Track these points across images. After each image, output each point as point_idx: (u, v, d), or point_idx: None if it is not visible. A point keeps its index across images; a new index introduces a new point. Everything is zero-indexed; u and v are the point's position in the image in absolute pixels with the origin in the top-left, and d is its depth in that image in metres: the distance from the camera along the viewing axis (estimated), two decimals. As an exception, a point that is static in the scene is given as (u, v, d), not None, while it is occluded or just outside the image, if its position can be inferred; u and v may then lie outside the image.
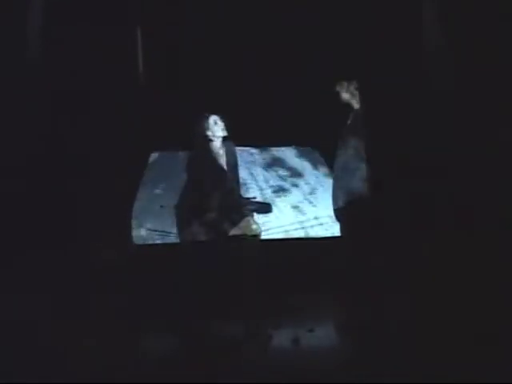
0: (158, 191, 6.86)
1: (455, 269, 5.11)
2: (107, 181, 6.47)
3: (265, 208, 5.84)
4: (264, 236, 5.33)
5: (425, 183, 5.95)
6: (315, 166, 7.27)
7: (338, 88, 5.53)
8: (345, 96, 5.52)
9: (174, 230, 6.20)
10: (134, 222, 6.32)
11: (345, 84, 5.52)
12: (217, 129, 5.27)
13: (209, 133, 5.26)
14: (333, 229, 6.20)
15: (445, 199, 5.62)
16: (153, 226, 6.33)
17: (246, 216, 5.19)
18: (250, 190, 6.58)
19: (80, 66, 6.36)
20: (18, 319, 4.72)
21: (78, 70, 6.33)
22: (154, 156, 7.47)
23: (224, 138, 5.31)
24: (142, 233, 6.32)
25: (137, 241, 6.29)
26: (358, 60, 6.23)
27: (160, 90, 7.48)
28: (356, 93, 5.54)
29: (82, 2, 6.50)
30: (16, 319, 4.71)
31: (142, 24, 7.43)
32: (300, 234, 6.35)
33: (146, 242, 6.30)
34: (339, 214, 5.56)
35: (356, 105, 5.55)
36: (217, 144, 5.29)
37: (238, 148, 5.58)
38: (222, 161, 5.27)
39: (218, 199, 5.13)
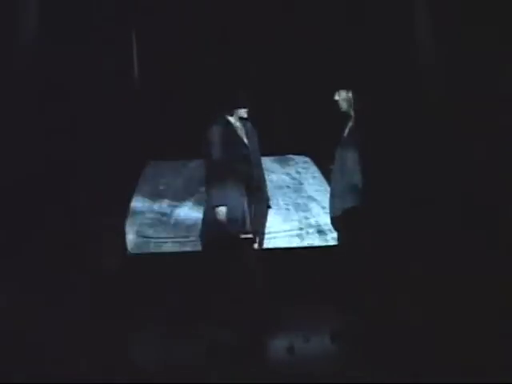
0: (153, 198, 6.83)
1: (454, 279, 5.12)
2: (102, 188, 6.46)
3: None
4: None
5: (422, 191, 5.96)
6: (311, 174, 7.28)
7: (336, 97, 5.52)
8: (343, 105, 5.51)
9: (169, 236, 6.28)
10: (128, 230, 6.28)
11: (343, 93, 5.51)
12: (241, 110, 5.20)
13: (236, 111, 5.18)
14: (328, 237, 6.20)
15: (442, 207, 5.62)
16: (148, 234, 6.30)
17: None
18: None
19: (74, 71, 6.34)
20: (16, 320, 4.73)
21: (73, 75, 6.32)
22: (149, 164, 7.47)
23: (241, 119, 5.23)
24: (136, 240, 6.27)
25: (132, 249, 6.25)
26: (355, 69, 6.25)
27: (155, 97, 7.48)
28: (354, 102, 5.53)
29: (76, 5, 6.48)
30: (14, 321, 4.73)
31: (137, 28, 7.43)
32: (295, 241, 6.33)
33: (142, 251, 6.25)
34: (336, 222, 5.55)
35: (354, 114, 5.55)
36: (238, 124, 5.22)
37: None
38: (246, 141, 5.19)
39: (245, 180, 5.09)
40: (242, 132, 5.16)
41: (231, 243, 4.99)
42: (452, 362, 4.08)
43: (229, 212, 4.93)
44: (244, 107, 5.12)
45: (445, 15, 5.30)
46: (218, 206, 4.94)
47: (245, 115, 5.16)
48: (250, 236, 5.09)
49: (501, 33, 4.82)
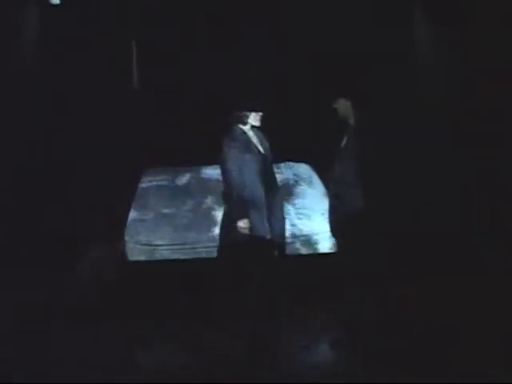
0: (152, 205, 6.81)
1: (453, 284, 5.14)
2: (101, 194, 6.47)
3: None
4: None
5: (420, 199, 5.99)
6: (310, 180, 7.27)
7: (335, 105, 5.53)
8: (342, 112, 5.51)
9: (167, 243, 6.26)
10: (127, 237, 6.25)
11: (342, 101, 5.52)
12: (254, 118, 5.14)
13: (249, 120, 5.10)
14: (326, 244, 6.19)
15: (441, 214, 5.65)
16: (147, 241, 6.27)
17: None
18: None
19: (76, 74, 6.38)
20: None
21: (74, 79, 6.36)
22: (147, 171, 7.47)
23: (253, 127, 5.16)
24: (135, 247, 6.24)
25: (130, 256, 6.22)
26: (355, 77, 6.28)
27: (156, 102, 7.50)
28: (352, 109, 5.54)
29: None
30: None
31: (138, 37, 7.47)
32: (293, 248, 6.30)
33: (140, 258, 6.22)
34: (335, 229, 5.53)
35: (352, 121, 5.55)
36: (251, 133, 5.16)
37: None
38: (261, 149, 5.17)
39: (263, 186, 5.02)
40: (255, 140, 5.16)
41: (251, 251, 4.94)
42: (452, 361, 4.10)
43: (251, 223, 4.90)
44: (259, 111, 5.11)
45: (444, 16, 5.36)
46: (239, 219, 4.90)
47: (257, 123, 5.15)
48: (269, 243, 5.04)
49: (500, 33, 4.87)
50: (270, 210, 5.01)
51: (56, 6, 6.54)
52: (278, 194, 5.22)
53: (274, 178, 5.22)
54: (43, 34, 6.34)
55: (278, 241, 5.07)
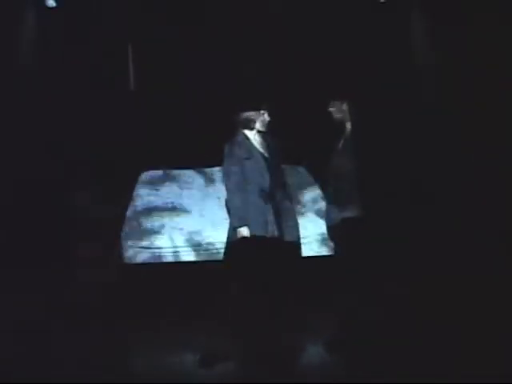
0: (148, 207, 6.81)
1: (453, 284, 5.15)
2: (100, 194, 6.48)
3: None
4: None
5: (420, 198, 6.00)
6: (305, 184, 7.27)
7: (330, 108, 5.52)
8: (337, 116, 5.49)
9: (164, 245, 6.26)
10: (124, 240, 6.24)
11: (337, 104, 5.50)
12: (261, 123, 5.10)
13: (256, 125, 5.06)
14: (321, 248, 6.19)
15: (441, 214, 5.65)
16: (143, 243, 6.26)
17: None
18: None
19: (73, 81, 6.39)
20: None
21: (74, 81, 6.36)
22: (145, 174, 7.46)
23: (259, 132, 5.12)
24: (132, 250, 6.23)
25: (128, 259, 6.22)
26: (350, 80, 6.28)
27: (153, 106, 7.51)
28: (349, 112, 5.52)
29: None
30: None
31: (137, 37, 7.48)
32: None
33: (137, 260, 6.22)
34: (332, 232, 5.52)
35: (349, 124, 5.54)
36: (257, 137, 5.12)
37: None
38: (266, 154, 5.11)
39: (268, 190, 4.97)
40: (260, 146, 5.08)
41: (252, 255, 4.90)
42: (452, 361, 4.11)
43: (252, 229, 4.87)
44: (265, 110, 5.06)
45: (444, 16, 5.36)
46: (240, 226, 4.85)
47: (263, 128, 5.10)
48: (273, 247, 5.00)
49: (500, 33, 4.88)
50: (280, 216, 4.97)
51: (52, 8, 6.57)
52: (289, 199, 5.18)
53: (283, 183, 5.18)
54: (41, 35, 6.35)
55: (293, 246, 5.01)
